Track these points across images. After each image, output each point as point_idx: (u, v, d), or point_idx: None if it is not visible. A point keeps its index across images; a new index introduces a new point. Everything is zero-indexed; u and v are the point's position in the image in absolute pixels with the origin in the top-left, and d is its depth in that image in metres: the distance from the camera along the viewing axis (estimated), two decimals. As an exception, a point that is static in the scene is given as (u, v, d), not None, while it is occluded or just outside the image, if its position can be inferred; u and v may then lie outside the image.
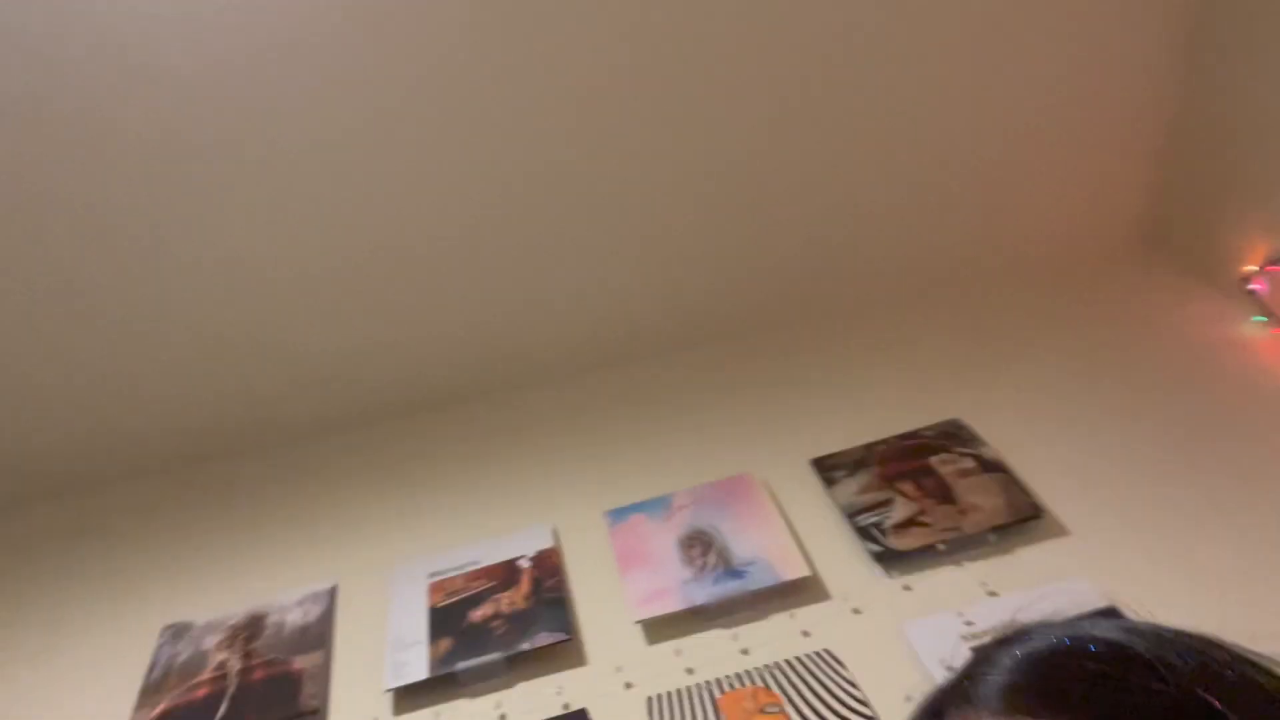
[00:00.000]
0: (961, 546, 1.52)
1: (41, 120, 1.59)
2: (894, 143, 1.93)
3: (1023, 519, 1.53)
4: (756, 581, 1.51)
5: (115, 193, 1.69)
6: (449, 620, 1.55)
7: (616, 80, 1.75)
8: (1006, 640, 0.53)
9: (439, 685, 1.47)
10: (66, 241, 1.73)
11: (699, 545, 1.60)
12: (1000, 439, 1.70)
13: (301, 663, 1.53)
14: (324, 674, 1.52)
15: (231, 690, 1.50)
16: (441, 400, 2.07)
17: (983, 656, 0.53)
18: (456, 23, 1.63)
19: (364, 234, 1.83)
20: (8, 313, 1.78)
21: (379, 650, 1.54)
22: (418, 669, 1.48)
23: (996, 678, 0.50)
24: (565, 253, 1.95)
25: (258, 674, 1.52)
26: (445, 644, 1.51)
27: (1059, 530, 1.54)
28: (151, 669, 1.57)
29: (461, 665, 1.47)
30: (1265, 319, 1.86)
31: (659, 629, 1.50)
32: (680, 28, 1.71)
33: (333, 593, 1.67)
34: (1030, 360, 1.90)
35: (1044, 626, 0.53)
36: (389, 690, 1.47)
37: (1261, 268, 1.85)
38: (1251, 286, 1.88)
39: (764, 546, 1.57)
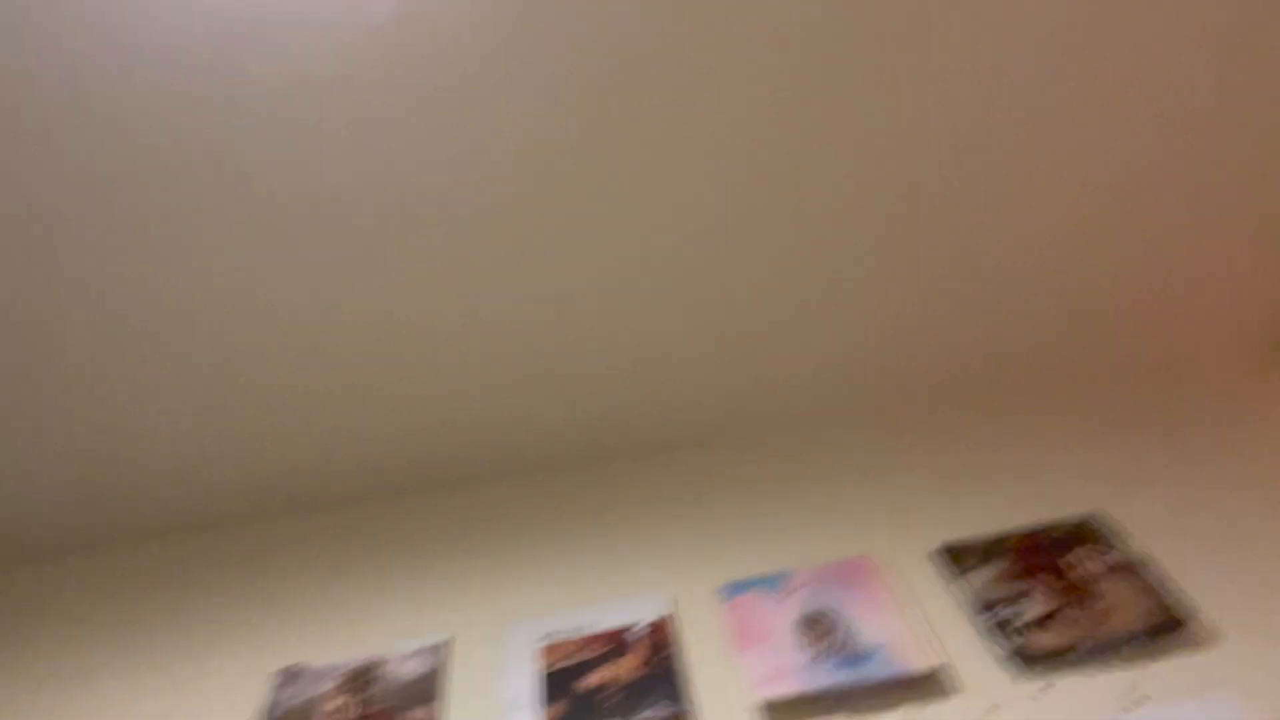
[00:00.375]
0: (1102, 651, 1.44)
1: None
2: (1057, 233, 1.90)
3: (1170, 622, 1.44)
4: (881, 669, 1.45)
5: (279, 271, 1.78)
6: (562, 685, 1.54)
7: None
8: None
9: (552, 751, 1.45)
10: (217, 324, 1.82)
11: (819, 625, 1.55)
12: (1145, 537, 1.61)
13: (417, 714, 1.53)
14: (437, 729, 1.52)
15: (349, 736, 1.50)
16: (565, 463, 2.08)
17: None
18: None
19: (516, 302, 1.88)
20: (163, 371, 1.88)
21: (490, 709, 1.53)
22: (529, 732, 1.46)
23: None
24: (721, 317, 1.95)
25: (374, 722, 1.53)
26: (557, 710, 1.49)
27: (1208, 638, 1.44)
28: (271, 710, 1.59)
29: (573, 732, 1.45)
30: None
31: (781, 713, 1.45)
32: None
33: (447, 645, 1.67)
34: (1177, 455, 1.81)
35: None
36: (498, 752, 1.45)
37: None
38: None
39: (888, 633, 1.51)
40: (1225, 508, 1.67)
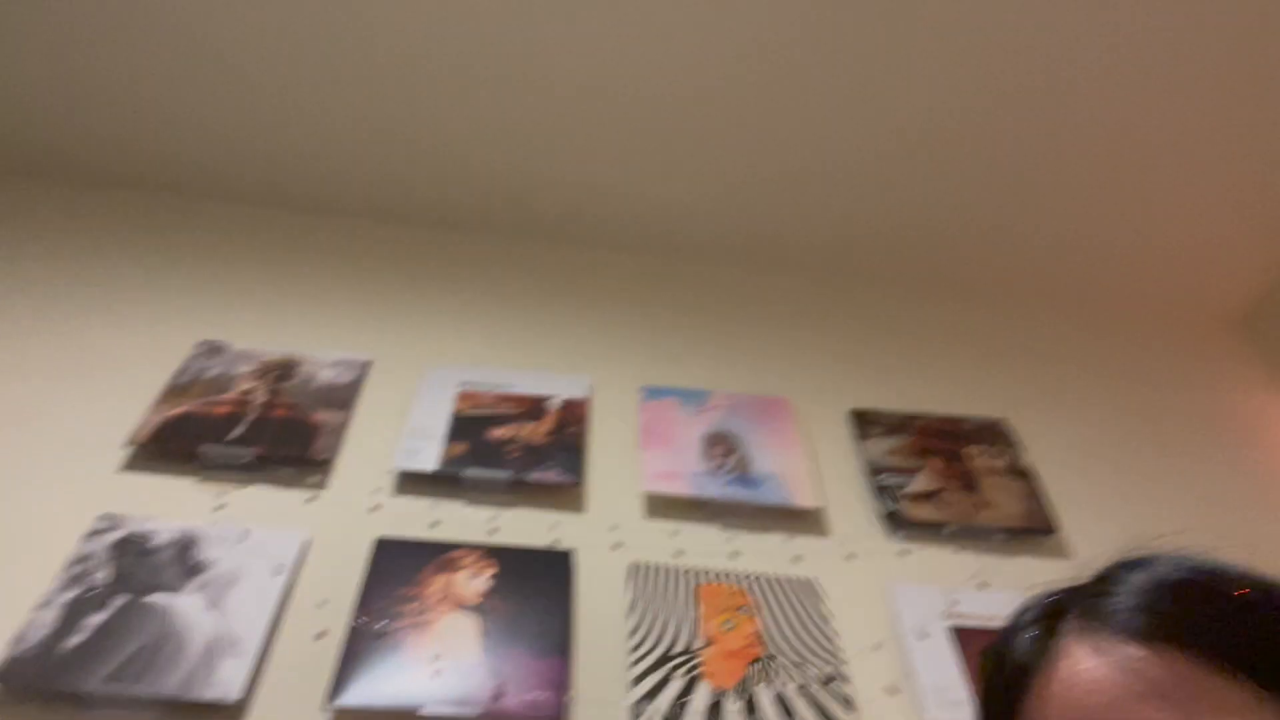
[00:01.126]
0: (968, 535, 1.54)
1: None
2: (1064, 168, 1.91)
3: (1035, 530, 1.55)
4: (767, 496, 1.54)
5: None
6: (469, 429, 1.59)
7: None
8: (1133, 563, 0.54)
9: (443, 483, 1.51)
10: None
11: (723, 445, 1.62)
12: (1039, 451, 1.71)
13: (322, 416, 1.57)
14: (339, 433, 1.56)
15: (252, 417, 1.54)
16: (528, 231, 2.07)
17: (1109, 575, 0.54)
18: None
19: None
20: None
21: (395, 433, 1.57)
22: (428, 459, 1.52)
23: (1129, 601, 0.51)
24: (733, 134, 1.92)
25: (279, 411, 1.56)
26: (459, 447, 1.55)
27: (1062, 552, 1.56)
28: (180, 374, 1.61)
29: (470, 471, 1.51)
30: (1328, 436, 1.85)
31: (662, 507, 1.53)
32: None
33: (367, 365, 1.70)
34: (1096, 395, 1.90)
35: (1171, 556, 0.54)
36: (396, 470, 1.51)
37: (1346, 386, 1.83)
38: (1328, 401, 1.86)
39: (784, 467, 1.59)
40: (1121, 453, 1.77)
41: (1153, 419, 1.86)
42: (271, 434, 1.52)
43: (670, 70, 1.83)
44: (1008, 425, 1.75)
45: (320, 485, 1.48)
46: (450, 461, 1.52)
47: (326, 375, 1.66)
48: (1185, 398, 1.94)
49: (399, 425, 1.59)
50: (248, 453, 1.48)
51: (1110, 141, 1.89)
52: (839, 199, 2.01)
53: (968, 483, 1.61)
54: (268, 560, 1.34)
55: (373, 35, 1.80)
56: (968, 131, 1.89)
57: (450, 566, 1.38)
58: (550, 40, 1.80)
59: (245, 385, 1.60)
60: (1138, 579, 0.52)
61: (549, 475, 1.53)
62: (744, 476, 1.57)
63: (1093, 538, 1.58)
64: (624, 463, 1.60)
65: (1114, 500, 1.67)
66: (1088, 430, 1.81)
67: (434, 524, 1.45)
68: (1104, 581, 0.54)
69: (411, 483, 1.51)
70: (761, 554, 1.48)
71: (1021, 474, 1.64)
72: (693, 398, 1.72)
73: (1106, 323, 2.10)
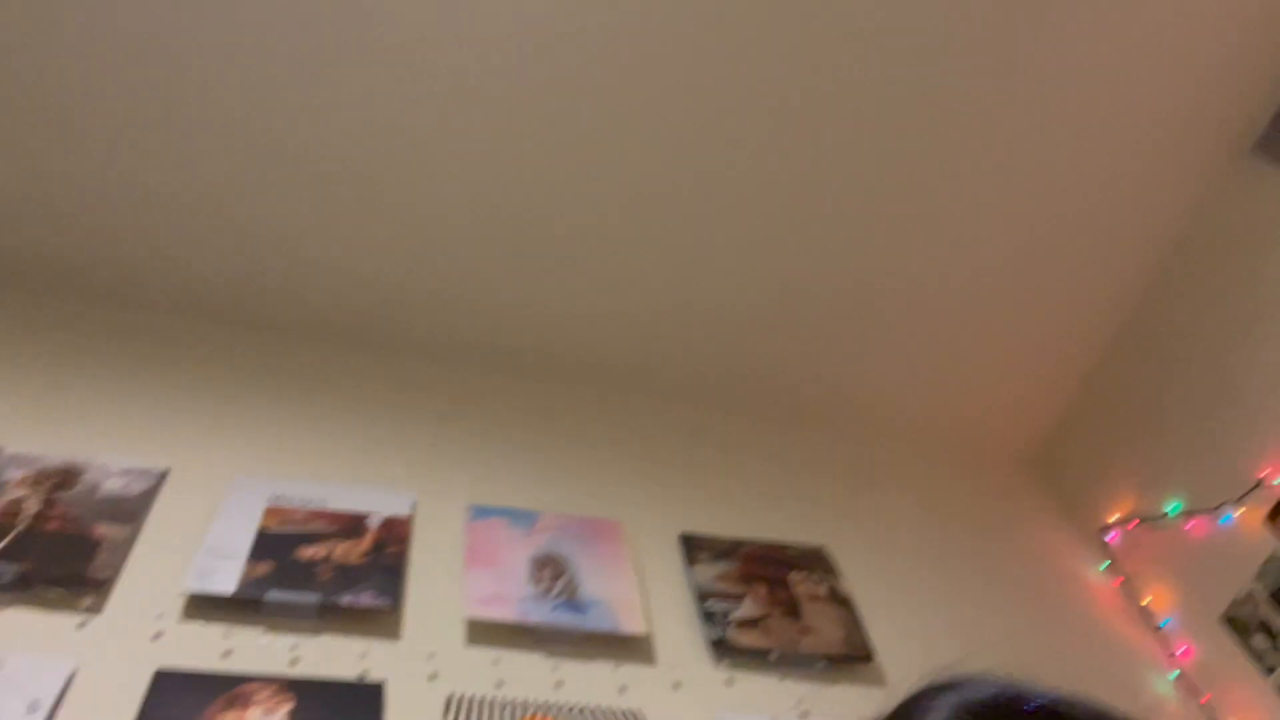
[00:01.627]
0: (792, 662, 1.55)
1: None
2: (882, 315, 2.07)
3: (854, 657, 1.58)
4: (594, 622, 1.49)
5: None
6: (275, 547, 1.46)
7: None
8: (942, 687, 0.54)
9: (242, 607, 1.37)
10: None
11: (552, 567, 1.57)
12: (855, 578, 1.75)
13: (104, 530, 1.41)
14: (124, 551, 1.40)
15: (19, 529, 1.36)
16: (371, 338, 1.99)
17: (919, 700, 0.54)
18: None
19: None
20: None
21: (190, 551, 1.43)
22: (226, 582, 1.38)
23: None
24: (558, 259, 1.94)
25: (53, 524, 1.39)
26: (263, 567, 1.42)
27: (879, 680, 1.58)
28: (-64, 477, 1.41)
29: (273, 594, 1.38)
30: (1107, 567, 2.01)
31: (485, 633, 1.45)
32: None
33: (163, 475, 1.55)
34: (908, 525, 1.99)
35: (978, 678, 0.55)
36: (186, 592, 1.36)
37: (1121, 522, 2.01)
38: (1107, 537, 2.03)
39: (612, 593, 1.55)
40: (930, 581, 1.85)
41: (957, 549, 1.97)
42: (41, 549, 1.34)
43: (514, 192, 1.86)
44: (828, 552, 1.79)
45: (95, 609, 1.31)
46: (251, 583, 1.39)
47: (113, 485, 1.50)
48: (987, 529, 2.06)
49: (195, 542, 1.44)
50: (9, 569, 1.29)
51: (921, 294, 2.07)
52: (673, 328, 2.07)
53: (791, 609, 1.62)
54: (22, 695, 1.16)
55: (192, 113, 1.74)
56: (794, 276, 2.01)
57: (241, 702, 1.24)
58: (404, 150, 1.80)
59: (15, 493, 1.42)
60: (947, 700, 0.53)
61: (362, 598, 1.42)
62: (572, 601, 1.51)
63: (905, 664, 1.62)
64: (446, 585, 1.51)
65: (923, 627, 1.72)
66: (900, 559, 1.88)
67: (226, 654, 1.31)
68: (916, 703, 0.54)
69: (204, 607, 1.36)
70: (587, 684, 1.42)
71: (841, 601, 1.68)
72: (522, 518, 1.66)
73: (918, 458, 2.23)
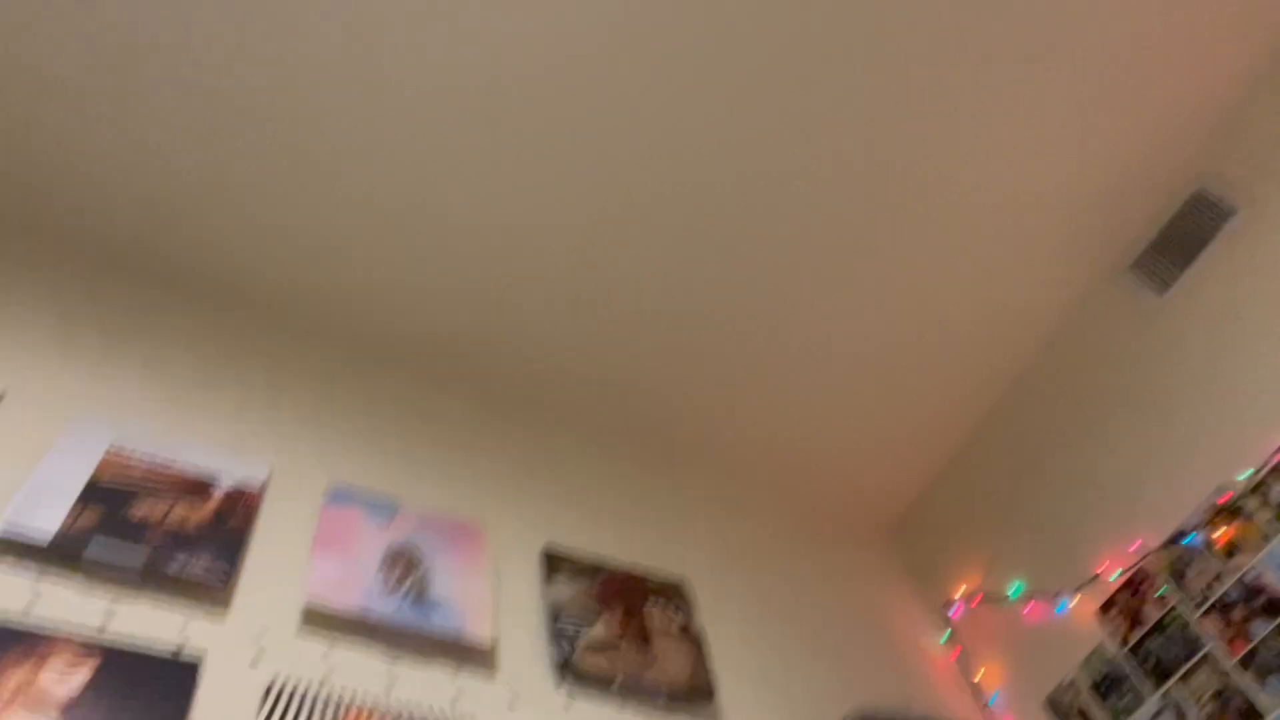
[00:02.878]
0: (634, 692, 1.52)
1: None
2: (767, 374, 2.09)
3: (696, 694, 1.56)
4: (439, 624, 1.43)
5: None
6: (107, 500, 1.35)
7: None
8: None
9: (58, 556, 1.25)
10: None
11: (404, 564, 1.50)
12: (711, 616, 1.75)
13: (-87, 452, 1.27)
14: (-69, 477, 1.26)
15: None
16: (251, 293, 1.88)
17: None
18: None
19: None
20: None
21: (9, 490, 1.30)
22: (44, 526, 1.26)
23: None
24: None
25: None
26: (89, 517, 1.31)
27: (717, 717, 1.58)
28: None
29: (95, 548, 1.27)
30: (947, 639, 2.07)
31: (322, 621, 1.37)
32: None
33: (-7, 403, 1.42)
34: (770, 574, 2.01)
35: (894, 711, 0.54)
36: (-2, 532, 1.24)
37: (965, 597, 2.08)
38: (950, 611, 2.09)
39: (463, 597, 1.49)
40: (781, 628, 1.86)
41: (810, 600, 1.99)
42: None
43: (419, 184, 1.81)
44: (688, 586, 1.78)
45: (-117, 535, 1.18)
46: (72, 534, 1.27)
47: (-67, 404, 1.36)
48: (841, 586, 2.10)
49: (16, 480, 1.32)
50: None
51: (808, 357, 2.11)
52: (567, 346, 2.04)
53: (642, 638, 1.60)
54: None
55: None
56: (699, 324, 2.02)
57: (35, 659, 1.13)
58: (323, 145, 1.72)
59: None
60: None
61: (193, 566, 1.32)
62: (420, 600, 1.45)
63: (745, 706, 1.62)
64: (288, 566, 1.43)
65: (768, 672, 1.73)
66: (756, 602, 1.89)
67: (29, 604, 1.19)
68: None
69: (16, 552, 1.24)
70: (422, 687, 1.36)
71: (693, 637, 1.66)
72: (382, 509, 1.59)
73: (785, 507, 2.26)
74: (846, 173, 1.89)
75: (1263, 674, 1.47)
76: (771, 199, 1.90)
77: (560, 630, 1.54)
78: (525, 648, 1.51)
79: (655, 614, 1.67)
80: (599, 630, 1.58)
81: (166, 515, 1.38)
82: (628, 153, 1.82)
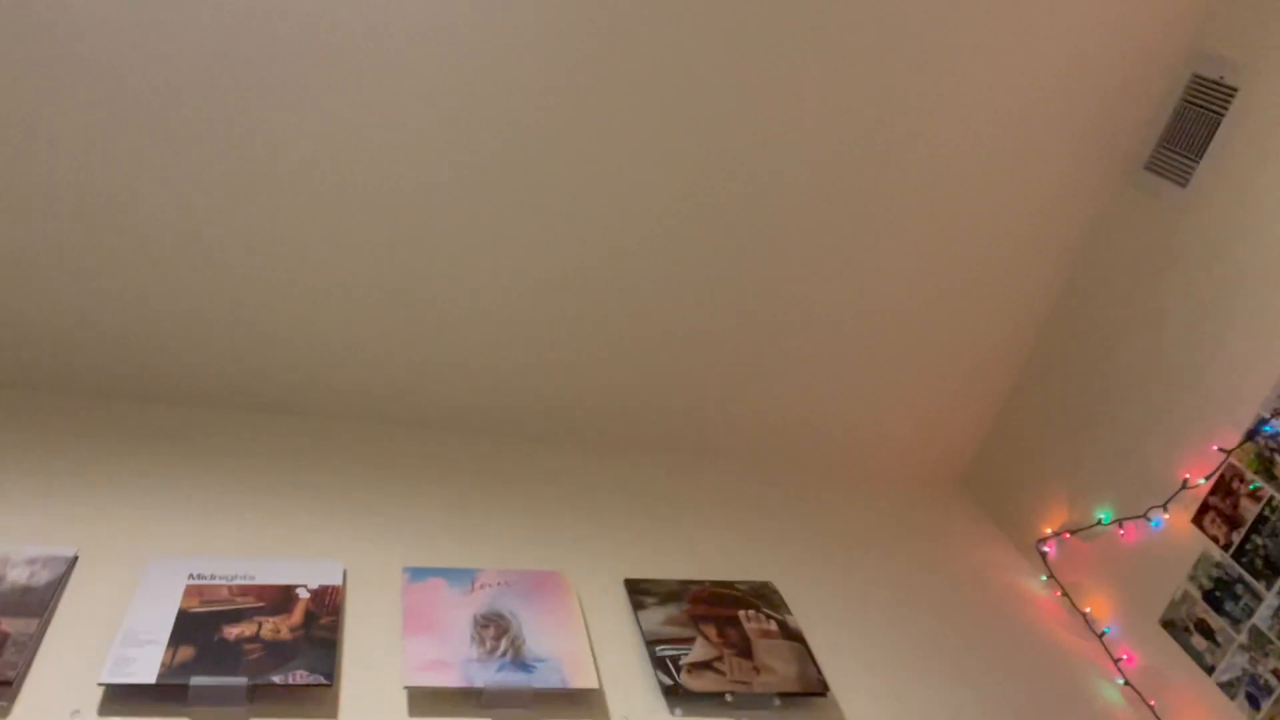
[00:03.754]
0: (748, 703, 1.51)
1: None
2: (809, 360, 2.07)
3: (810, 693, 1.55)
4: (543, 680, 1.43)
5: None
6: (199, 629, 1.38)
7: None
8: None
9: (163, 695, 1.28)
10: None
11: (494, 627, 1.51)
12: (805, 613, 1.74)
13: (10, 626, 1.31)
14: (33, 646, 1.30)
15: (-90, 632, 1.25)
16: (276, 401, 1.92)
17: None
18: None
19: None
20: None
21: (105, 640, 1.34)
22: (145, 671, 1.29)
23: None
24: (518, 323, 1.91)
25: (-51, 624, 1.28)
26: (186, 652, 1.33)
27: (837, 714, 1.56)
28: None
29: (197, 680, 1.29)
30: (1047, 579, 2.04)
31: (428, 701, 1.39)
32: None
33: (72, 561, 1.45)
34: (850, 553, 1.99)
35: None
36: (103, 684, 1.27)
37: (1055, 534, 2.04)
38: (1044, 548, 2.06)
39: (560, 648, 1.50)
40: (877, 609, 1.84)
41: (900, 574, 1.97)
42: (-64, 652, 1.24)
43: (423, 257, 1.83)
44: (775, 587, 1.77)
45: (3, 711, 1.21)
46: (173, 670, 1.30)
47: (19, 575, 1.40)
48: (926, 551, 2.07)
49: (110, 631, 1.35)
50: (-101, 678, 1.19)
51: (845, 332, 2.09)
52: (606, 372, 2.05)
53: (743, 648, 1.59)
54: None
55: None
56: (725, 324, 2.02)
57: (168, 800, 1.15)
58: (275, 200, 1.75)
59: (-96, 593, 1.31)
60: None
61: (295, 676, 1.34)
62: (518, 659, 1.46)
63: (860, 695, 1.61)
64: (384, 654, 1.45)
65: (874, 656, 1.71)
66: (845, 589, 1.87)
67: (148, 747, 1.22)
68: None
69: (123, 699, 1.27)
70: (539, 745, 1.36)
71: (793, 636, 1.65)
72: (460, 576, 1.61)
73: (854, 487, 2.24)
74: (847, 135, 1.87)
75: (1377, 548, 1.42)
76: (778, 185, 1.90)
77: (660, 657, 1.54)
78: (631, 682, 1.51)
79: (751, 621, 1.66)
80: (699, 649, 1.57)
81: (258, 631, 1.40)
82: (633, 167, 1.83)
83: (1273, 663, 1.55)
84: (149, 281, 1.77)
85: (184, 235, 1.73)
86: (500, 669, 1.44)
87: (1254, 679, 1.58)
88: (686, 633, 1.61)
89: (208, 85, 1.61)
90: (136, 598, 1.41)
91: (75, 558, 1.47)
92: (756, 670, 1.56)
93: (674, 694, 1.49)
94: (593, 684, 1.45)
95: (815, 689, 1.56)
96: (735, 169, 1.86)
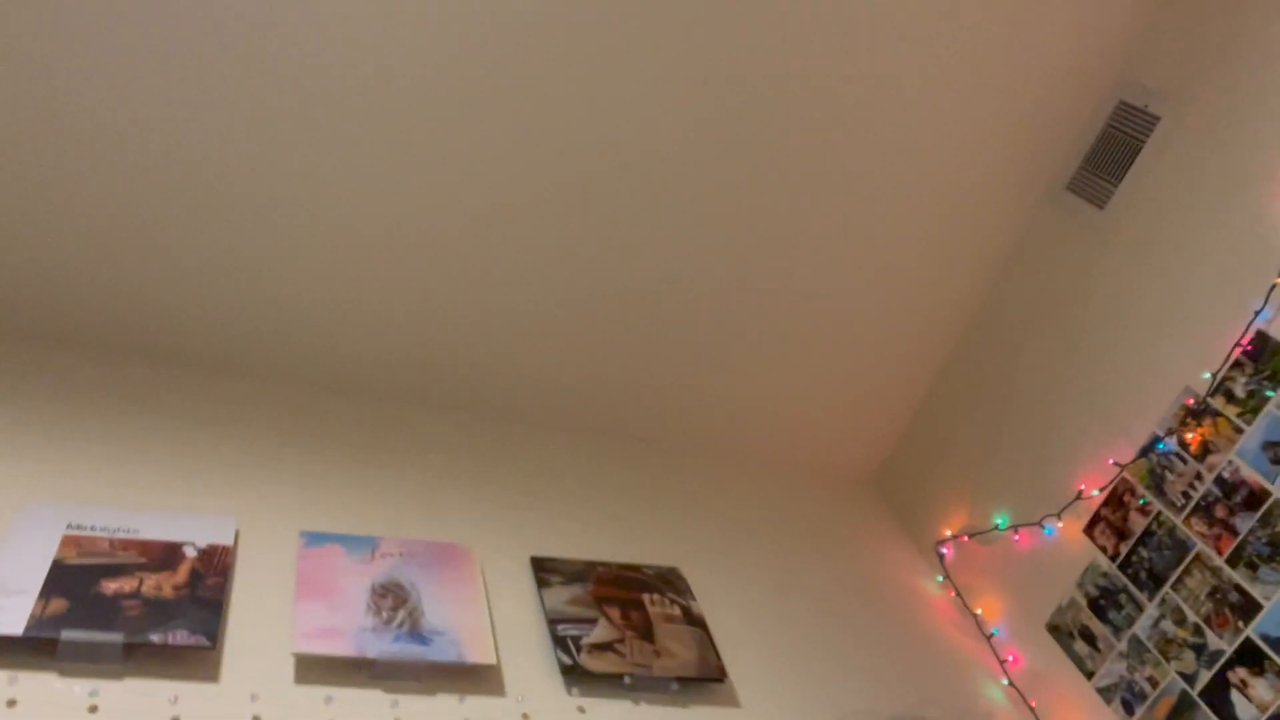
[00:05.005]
0: (646, 686, 1.51)
1: None
2: (733, 344, 2.07)
3: (707, 679, 1.55)
4: (439, 653, 1.40)
5: None
6: (74, 581, 1.30)
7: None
8: None
9: (31, 648, 1.21)
10: None
11: (392, 597, 1.47)
12: (709, 599, 1.74)
13: None
14: (-118, 590, 1.20)
15: None
16: (179, 354, 1.83)
17: None
18: None
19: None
20: None
21: (-33, 588, 1.25)
22: (12, 622, 1.21)
23: None
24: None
25: None
26: (59, 605, 1.25)
27: (732, 700, 1.57)
28: None
29: (69, 634, 1.22)
30: (943, 579, 2.09)
31: (316, 670, 1.34)
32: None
33: (-63, 503, 1.36)
34: (758, 544, 2.00)
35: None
36: (-38, 635, 1.18)
37: (954, 536, 2.10)
38: (942, 550, 2.11)
39: (459, 622, 1.47)
40: (779, 599, 1.86)
41: (804, 567, 1.99)
42: None
43: (358, 199, 1.76)
44: (681, 573, 1.77)
45: None
46: (43, 622, 1.22)
47: (-127, 514, 1.29)
48: (831, 547, 2.10)
49: (-26, 578, 1.26)
50: None
51: (766, 325, 2.10)
52: (526, 346, 2.01)
53: (645, 632, 1.59)
54: None
55: None
56: (645, 304, 2.00)
57: (27, 759, 1.08)
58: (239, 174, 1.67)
59: None
60: None
61: (176, 636, 1.28)
62: (415, 632, 1.42)
63: (757, 683, 1.62)
64: (273, 619, 1.39)
65: (773, 645, 1.73)
66: (750, 578, 1.89)
67: (10, 703, 1.14)
68: None
69: (-17, 650, 1.19)
70: (431, 718, 1.33)
71: (695, 622, 1.65)
72: (360, 544, 1.55)
73: (764, 480, 2.26)
74: (773, 136, 1.87)
75: (1253, 566, 1.50)
76: (698, 168, 1.89)
77: (561, 636, 1.52)
78: (530, 660, 1.49)
79: (654, 605, 1.66)
80: (601, 630, 1.56)
81: (139, 588, 1.33)
82: (553, 135, 1.79)
83: (1149, 671, 1.62)
84: (50, 212, 1.66)
85: (98, 161, 1.63)
86: (395, 640, 1.40)
87: (1130, 685, 1.64)
88: (589, 613, 1.59)
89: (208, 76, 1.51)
90: (7, 545, 1.32)
91: (-59, 499, 1.37)
92: (657, 654, 1.55)
93: (572, 673, 1.47)
94: (490, 660, 1.42)
95: (713, 675, 1.56)
96: (654, 157, 1.84)
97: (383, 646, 1.37)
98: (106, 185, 1.65)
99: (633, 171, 1.85)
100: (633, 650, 1.54)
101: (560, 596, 1.60)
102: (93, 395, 1.68)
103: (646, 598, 1.67)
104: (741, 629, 1.73)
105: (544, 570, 1.66)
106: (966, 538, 2.06)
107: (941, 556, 2.11)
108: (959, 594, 2.04)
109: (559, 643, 1.51)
